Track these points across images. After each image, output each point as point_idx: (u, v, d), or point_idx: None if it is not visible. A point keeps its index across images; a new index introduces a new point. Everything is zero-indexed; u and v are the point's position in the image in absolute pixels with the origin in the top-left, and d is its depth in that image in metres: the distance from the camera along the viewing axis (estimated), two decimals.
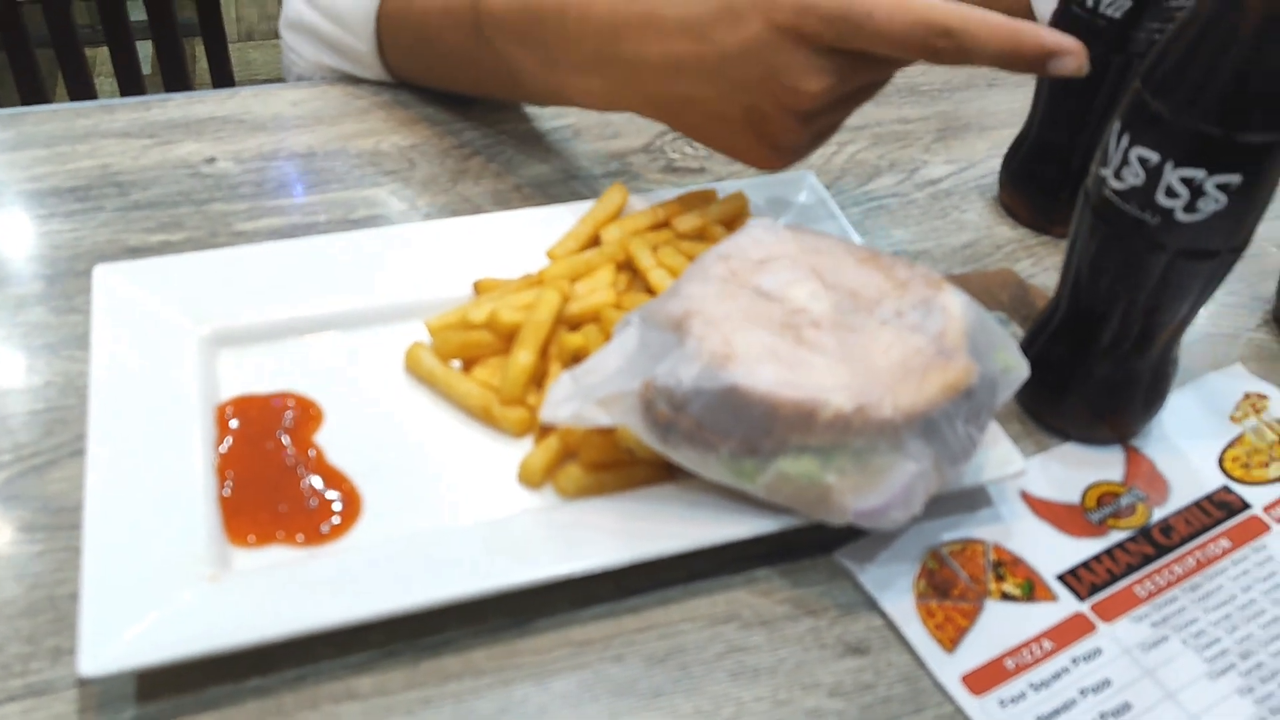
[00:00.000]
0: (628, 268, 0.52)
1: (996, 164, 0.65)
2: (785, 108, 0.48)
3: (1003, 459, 0.45)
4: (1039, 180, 0.62)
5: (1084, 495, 0.48)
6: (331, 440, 0.45)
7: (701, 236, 0.53)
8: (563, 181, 0.62)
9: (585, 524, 0.42)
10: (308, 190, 0.59)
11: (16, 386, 0.47)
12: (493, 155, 0.63)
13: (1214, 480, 0.49)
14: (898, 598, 0.43)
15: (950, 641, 0.42)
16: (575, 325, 0.49)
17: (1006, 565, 0.45)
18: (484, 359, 0.48)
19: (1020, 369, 0.44)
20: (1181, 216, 0.41)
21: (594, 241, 0.53)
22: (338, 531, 0.42)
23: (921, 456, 0.39)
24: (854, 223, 0.61)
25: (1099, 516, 0.47)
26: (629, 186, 0.62)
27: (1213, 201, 0.41)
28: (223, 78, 1.09)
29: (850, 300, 0.42)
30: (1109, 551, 0.45)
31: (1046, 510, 0.47)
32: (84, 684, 0.38)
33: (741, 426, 0.39)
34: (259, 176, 0.60)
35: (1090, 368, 0.48)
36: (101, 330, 0.46)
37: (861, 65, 0.47)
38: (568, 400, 0.41)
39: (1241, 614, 0.44)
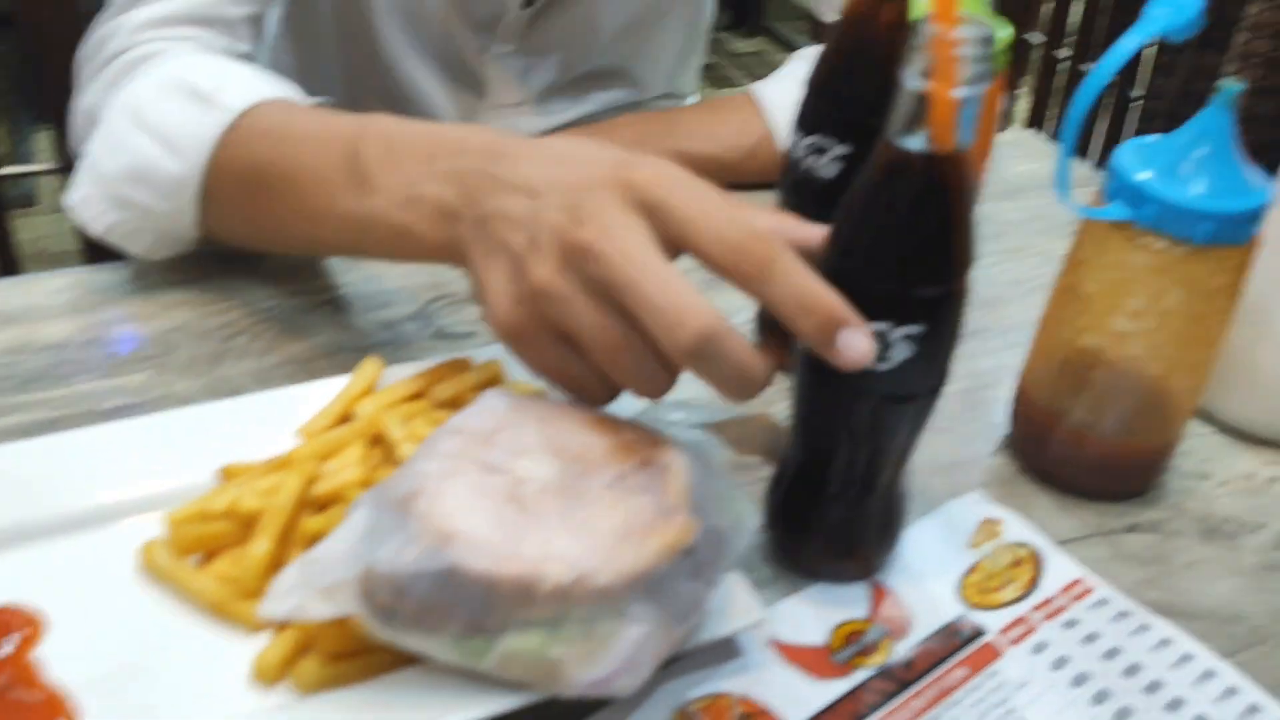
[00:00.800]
0: (380, 444, 0.52)
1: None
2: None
3: (744, 609, 0.46)
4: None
5: (832, 635, 0.49)
6: (54, 654, 0.43)
7: (456, 406, 0.54)
8: (330, 355, 0.63)
9: (320, 719, 0.41)
10: (55, 384, 0.58)
11: None
12: (257, 333, 0.63)
13: (953, 609, 0.51)
14: None
15: None
16: (323, 506, 0.48)
17: (754, 716, 0.45)
18: (226, 550, 0.47)
19: (750, 519, 0.46)
20: (879, 366, 0.44)
21: (346, 418, 0.54)
22: None
23: (646, 619, 0.40)
24: None
25: (845, 656, 0.48)
26: (399, 355, 0.63)
27: (902, 350, 0.44)
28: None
29: (576, 466, 0.43)
30: (853, 692, 0.47)
31: (795, 655, 0.48)
32: None
33: (464, 607, 0.39)
34: (6, 371, 0.58)
35: (825, 509, 0.51)
36: None
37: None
38: (290, 593, 0.40)
39: None
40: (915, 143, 0.42)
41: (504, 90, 0.91)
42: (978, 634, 0.50)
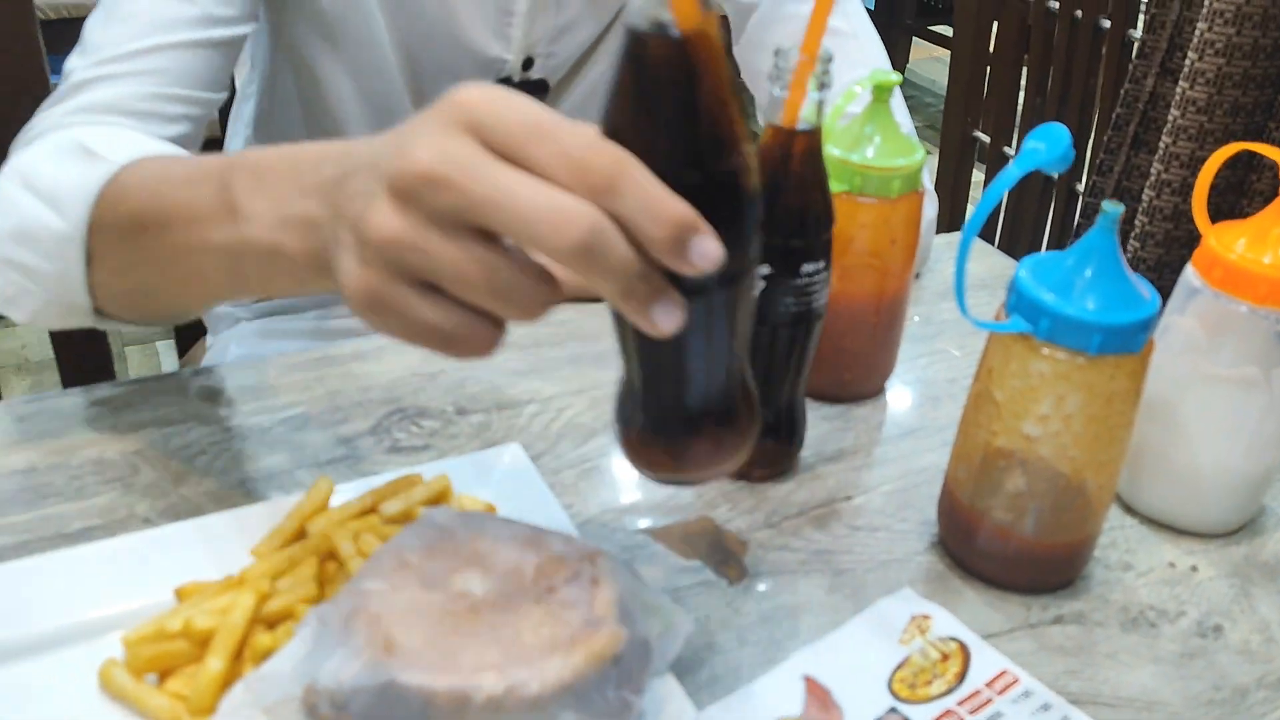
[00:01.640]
0: (333, 558, 0.55)
1: None
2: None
3: (676, 713, 0.49)
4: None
5: None
6: None
7: (406, 519, 0.57)
8: (288, 472, 0.65)
9: None
10: (21, 509, 0.60)
11: None
12: (219, 452, 0.66)
13: (883, 703, 0.53)
14: None
15: None
16: (274, 624, 0.51)
17: None
18: (181, 669, 0.49)
19: (681, 626, 0.48)
20: None
21: (300, 536, 0.56)
22: None
23: None
24: (568, 485, 0.66)
25: None
26: (356, 469, 0.66)
27: None
28: None
29: (508, 582, 0.46)
30: None
31: None
32: None
33: (403, 719, 0.42)
34: None
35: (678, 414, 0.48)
36: None
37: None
38: (236, 711, 0.43)
39: None
40: (651, 23, 0.38)
41: None
42: None
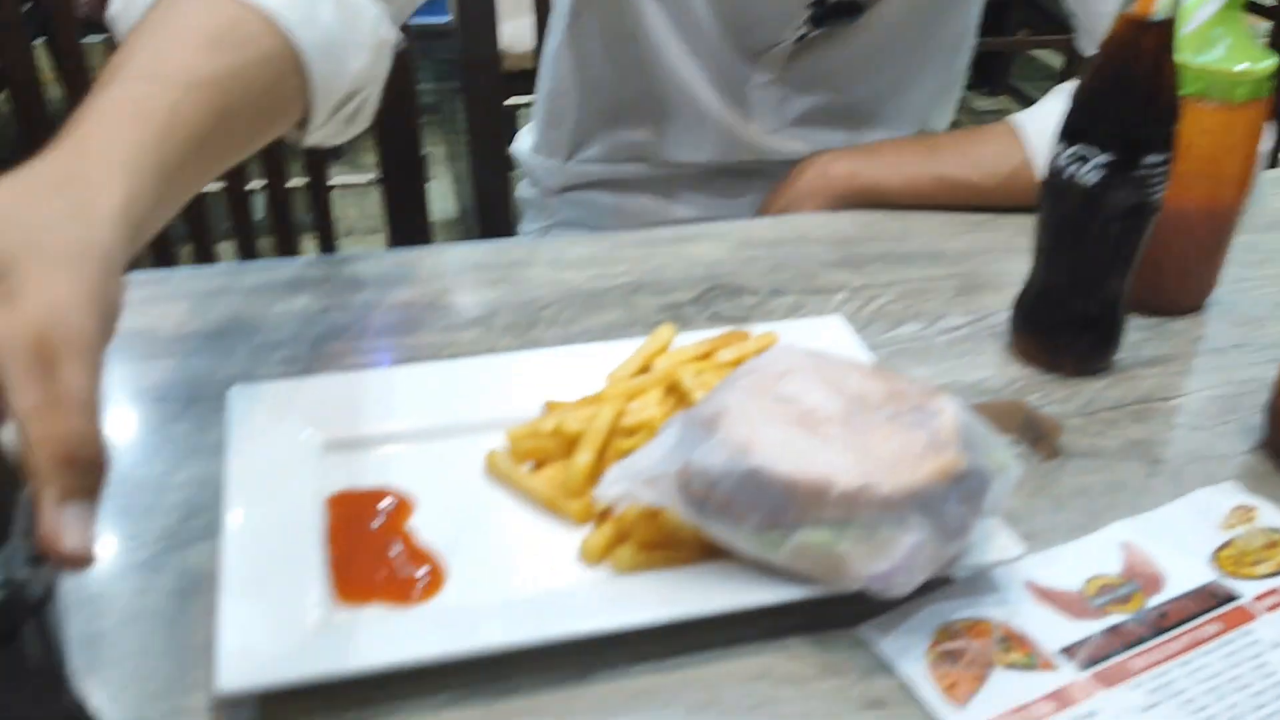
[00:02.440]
0: (674, 391, 0.61)
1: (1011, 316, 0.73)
2: None
3: (1004, 545, 0.51)
4: (1043, 323, 0.69)
5: (1085, 584, 0.53)
6: (422, 526, 0.53)
7: (738, 365, 0.62)
8: (622, 328, 0.72)
9: (636, 591, 0.49)
10: (404, 334, 0.69)
11: (163, 483, 0.57)
12: (562, 307, 0.73)
13: (1206, 574, 0.54)
14: (912, 663, 0.48)
15: (961, 699, 0.47)
16: (629, 434, 0.57)
17: (1012, 640, 0.50)
18: (551, 461, 0.56)
19: (1012, 469, 0.51)
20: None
21: (646, 370, 0.62)
22: (425, 595, 0.49)
23: (921, 529, 0.46)
24: (881, 362, 0.69)
25: (1100, 602, 0.52)
26: (682, 331, 0.71)
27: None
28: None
29: (856, 404, 0.50)
30: (1107, 631, 0.51)
31: (1050, 596, 0.52)
32: (217, 707, 0.45)
33: (765, 503, 0.46)
34: (364, 324, 0.70)
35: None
36: (235, 436, 0.55)
37: None
38: (618, 481, 0.49)
39: (1229, 685, 0.48)
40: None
41: (766, 117, 0.99)
42: (1231, 598, 0.53)
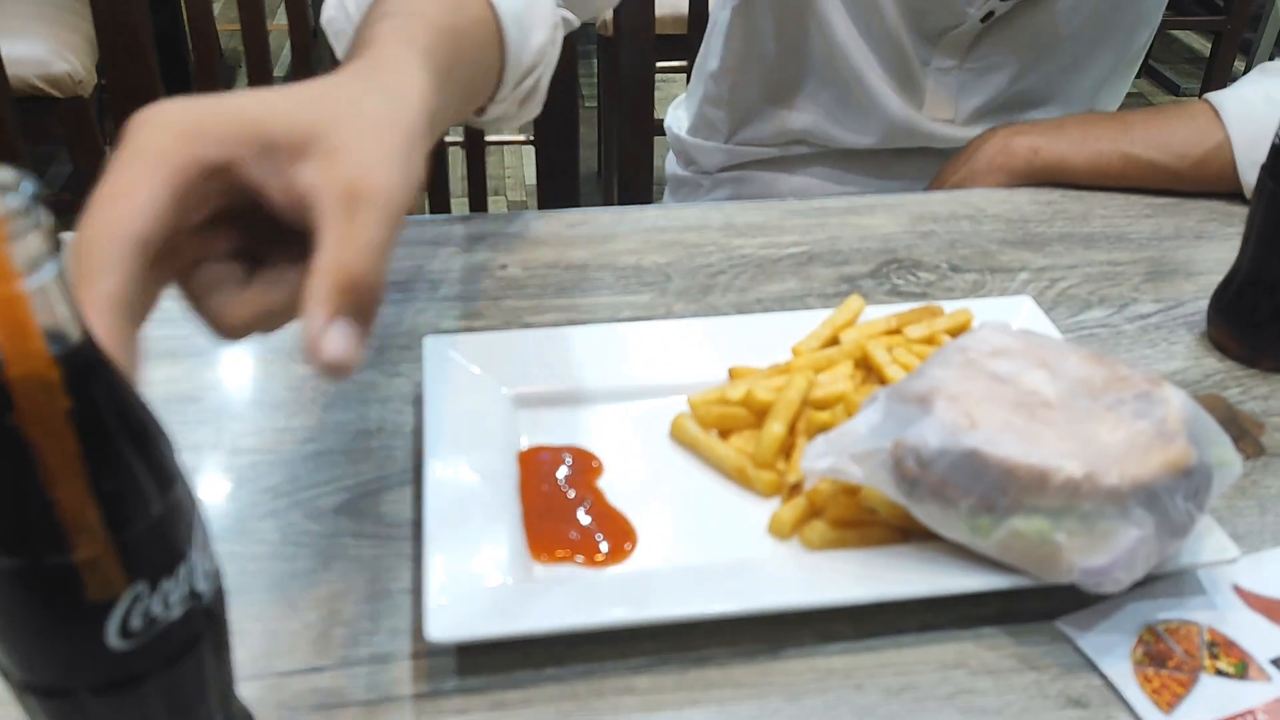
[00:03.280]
0: (864, 366, 0.59)
1: (1204, 305, 0.70)
2: None
3: (1217, 547, 0.49)
4: (1248, 314, 0.66)
5: None
6: (610, 486, 0.53)
7: (930, 342, 0.60)
8: (798, 298, 0.70)
9: (829, 568, 0.48)
10: (582, 294, 0.69)
11: (355, 430, 0.58)
12: (736, 274, 0.73)
13: None
14: (1116, 663, 0.47)
15: (1167, 705, 0.45)
16: (821, 407, 0.56)
17: (1220, 646, 0.48)
18: (739, 430, 0.56)
19: (1234, 465, 0.48)
20: None
21: (833, 342, 0.61)
22: (617, 557, 0.49)
23: (1144, 524, 0.44)
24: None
25: None
26: None
27: None
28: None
29: (1077, 388, 0.48)
30: None
31: (1259, 603, 0.50)
32: (416, 655, 0.46)
33: (980, 486, 0.45)
34: (542, 280, 0.71)
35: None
36: (432, 386, 0.56)
37: None
38: (823, 455, 0.48)
39: None
40: None
41: (939, 105, 0.96)
42: None
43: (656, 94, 1.19)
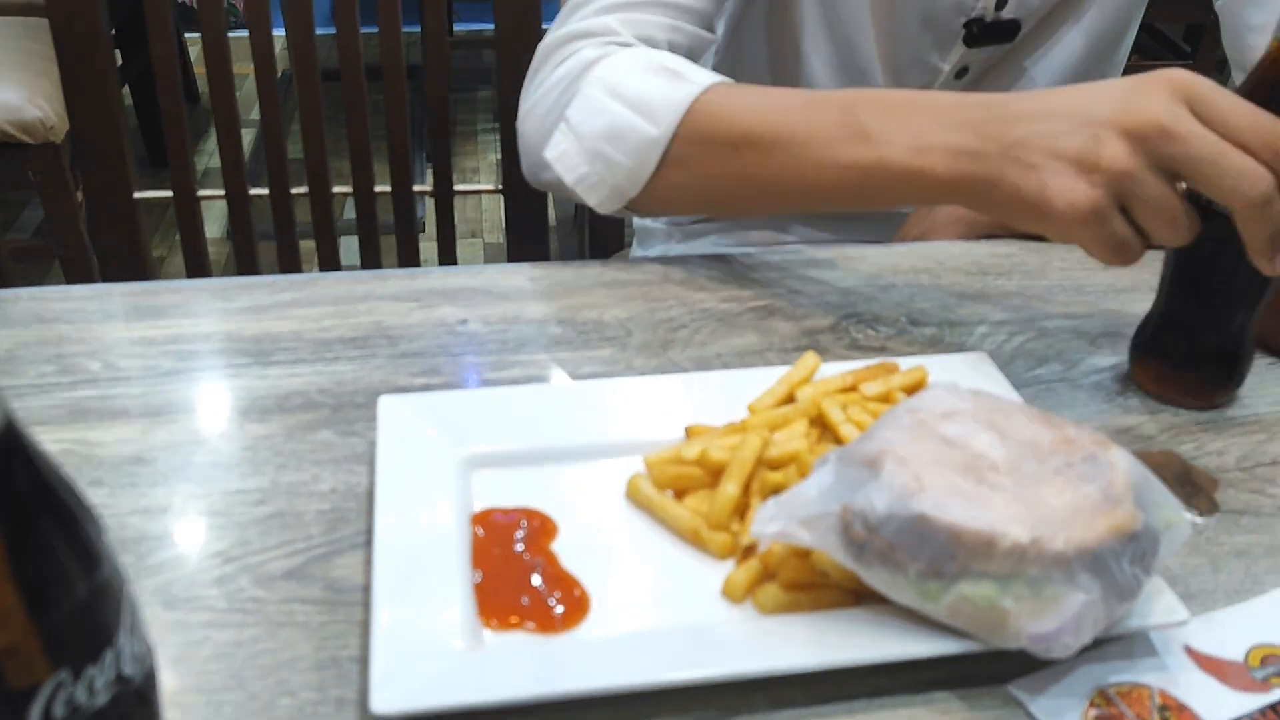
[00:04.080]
0: (819, 424, 0.59)
1: None
2: (1127, 131, 0.55)
3: (1167, 609, 0.49)
4: (1166, 352, 0.67)
5: (1247, 655, 0.51)
6: (564, 550, 0.53)
7: (886, 400, 0.61)
8: (758, 353, 0.71)
9: (781, 633, 0.48)
10: (542, 349, 0.69)
11: (309, 492, 0.57)
12: (696, 328, 0.73)
13: None
14: None
15: None
16: (775, 467, 0.56)
17: (1172, 709, 0.48)
18: (694, 490, 0.56)
19: (1182, 527, 0.49)
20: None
21: (789, 400, 0.61)
22: (569, 623, 0.49)
23: (1091, 589, 0.44)
24: (1025, 402, 0.67)
25: (1263, 674, 0.50)
26: (821, 359, 0.70)
27: None
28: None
29: (1025, 451, 0.48)
30: (1273, 706, 0.48)
31: (1210, 664, 0.50)
32: None
33: (928, 550, 0.45)
34: (502, 336, 0.71)
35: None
36: (385, 447, 0.56)
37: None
38: (773, 519, 0.48)
39: None
40: None
41: None
42: None
43: None
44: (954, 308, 0.77)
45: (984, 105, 0.61)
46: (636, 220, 1.13)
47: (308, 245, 1.19)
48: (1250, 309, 0.65)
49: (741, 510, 0.54)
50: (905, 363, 0.65)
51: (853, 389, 0.62)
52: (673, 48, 0.79)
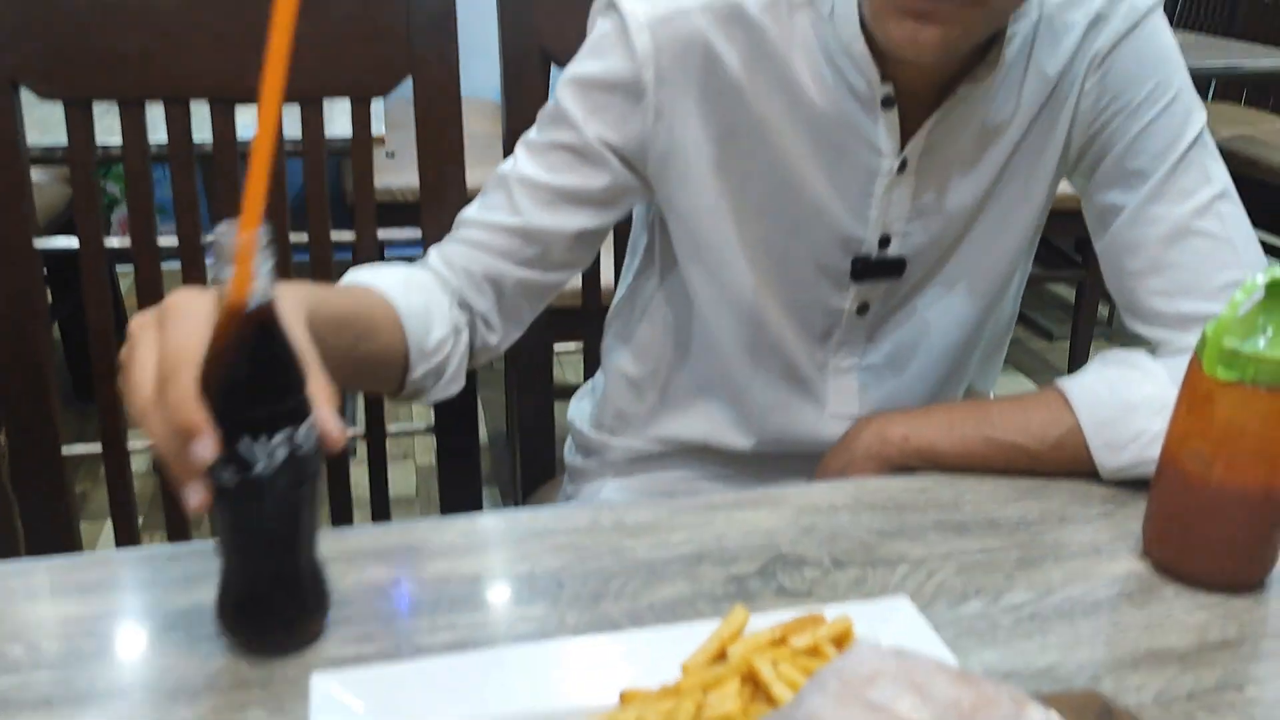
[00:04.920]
0: (751, 681, 0.61)
1: (1073, 592, 0.73)
2: None
3: None
4: (256, 612, 0.65)
5: None
6: None
7: (814, 653, 0.62)
8: (688, 602, 0.72)
9: None
10: (474, 609, 0.70)
11: None
12: (627, 579, 0.74)
13: None
14: None
15: None
16: None
17: None
18: None
19: None
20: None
21: (721, 656, 0.62)
22: None
23: None
24: (947, 642, 0.69)
25: None
26: (750, 607, 0.72)
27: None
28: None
29: (948, 713, 0.50)
30: None
31: None
32: None
33: None
34: (435, 596, 0.71)
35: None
36: None
37: None
38: None
39: None
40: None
41: (843, 402, 1.01)
42: None
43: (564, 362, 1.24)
44: (875, 546, 0.79)
45: None
46: (568, 457, 1.15)
47: None
48: (310, 544, 0.65)
49: None
50: (831, 610, 0.67)
51: (782, 642, 0.63)
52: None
